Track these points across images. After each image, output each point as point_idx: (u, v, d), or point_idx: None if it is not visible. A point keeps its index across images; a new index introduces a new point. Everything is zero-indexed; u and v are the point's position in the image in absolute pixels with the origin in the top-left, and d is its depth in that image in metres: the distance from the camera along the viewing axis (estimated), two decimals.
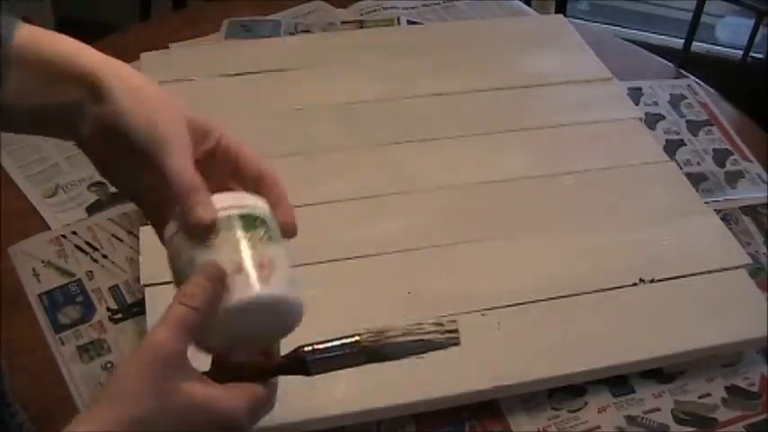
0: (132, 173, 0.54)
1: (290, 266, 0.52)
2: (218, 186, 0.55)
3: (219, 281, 0.49)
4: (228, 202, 0.52)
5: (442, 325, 0.52)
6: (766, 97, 1.48)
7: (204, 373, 0.50)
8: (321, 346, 0.51)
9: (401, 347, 0.51)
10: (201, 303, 0.49)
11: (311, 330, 0.79)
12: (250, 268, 0.50)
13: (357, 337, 0.51)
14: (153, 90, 0.54)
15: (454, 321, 0.52)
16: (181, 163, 0.51)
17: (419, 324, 0.52)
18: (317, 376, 0.52)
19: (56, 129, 0.57)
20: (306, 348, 0.51)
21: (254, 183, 0.57)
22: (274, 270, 0.50)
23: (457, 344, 0.52)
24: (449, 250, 0.88)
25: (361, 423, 0.76)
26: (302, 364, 0.51)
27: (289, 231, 0.55)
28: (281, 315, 0.52)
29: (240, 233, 0.51)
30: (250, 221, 0.52)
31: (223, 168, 0.57)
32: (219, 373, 0.51)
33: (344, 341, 0.51)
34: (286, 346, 0.53)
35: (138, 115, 0.52)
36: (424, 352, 0.51)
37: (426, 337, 0.51)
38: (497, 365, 0.78)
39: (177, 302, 0.48)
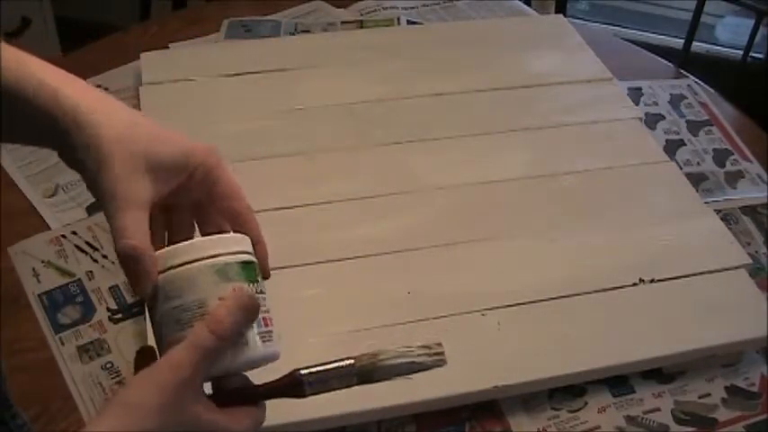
0: None
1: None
2: (204, 213, 0.56)
3: (252, 311, 0.50)
4: (219, 249, 0.52)
5: (430, 348, 0.54)
6: (766, 97, 1.48)
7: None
8: (317, 369, 0.52)
9: (393, 370, 0.53)
10: (230, 333, 0.49)
11: (311, 330, 0.79)
12: (256, 325, 0.51)
13: (352, 360, 0.53)
14: (111, 131, 0.51)
15: (440, 344, 0.54)
16: (122, 223, 0.49)
17: (408, 347, 0.54)
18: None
19: (34, 142, 0.55)
20: (302, 372, 0.52)
21: (230, 218, 0.56)
22: (273, 325, 0.53)
23: (443, 365, 0.55)
24: (449, 250, 0.88)
25: (361, 423, 0.76)
26: (298, 386, 0.52)
27: (265, 272, 0.55)
28: (267, 362, 0.53)
29: (244, 284, 0.52)
30: (251, 271, 0.53)
31: (201, 198, 0.56)
32: (217, 395, 0.52)
33: (340, 364, 0.53)
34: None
35: (91, 169, 0.50)
36: (412, 373, 0.54)
37: (416, 359, 0.54)
38: (497, 365, 0.78)
39: (206, 328, 0.48)
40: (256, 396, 0.53)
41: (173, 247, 0.51)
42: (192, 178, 0.54)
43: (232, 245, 0.52)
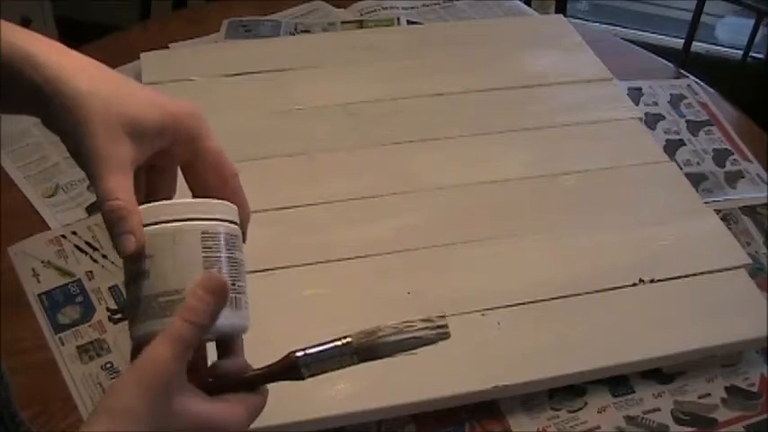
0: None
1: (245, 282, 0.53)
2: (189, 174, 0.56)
3: (222, 295, 0.49)
4: (210, 213, 0.52)
5: (431, 321, 0.52)
6: (766, 97, 1.48)
7: (195, 380, 0.50)
8: (313, 350, 0.51)
9: (393, 346, 0.51)
10: (205, 319, 0.48)
11: (312, 330, 0.79)
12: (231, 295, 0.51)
13: (349, 339, 0.51)
14: (93, 99, 0.51)
15: (443, 317, 0.52)
16: (107, 184, 0.49)
17: (409, 321, 0.52)
18: (313, 379, 0.52)
19: (16, 110, 0.55)
20: (297, 353, 0.51)
21: (214, 185, 0.56)
22: (245, 293, 0.52)
23: (447, 338, 0.52)
24: (449, 250, 0.88)
25: (361, 423, 0.76)
26: (295, 369, 0.51)
27: (244, 237, 0.55)
28: (237, 330, 0.53)
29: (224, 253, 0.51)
30: (235, 241, 0.52)
31: (185, 160, 0.56)
32: (207, 380, 0.51)
33: (336, 343, 0.51)
34: (278, 340, 0.53)
35: (70, 132, 0.51)
36: (415, 348, 0.52)
37: (417, 333, 0.51)
38: (497, 365, 0.78)
39: (180, 319, 0.48)
40: (252, 381, 0.51)
41: (156, 204, 0.52)
42: (175, 143, 0.54)
43: (218, 211, 0.52)
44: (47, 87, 0.50)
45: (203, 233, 0.51)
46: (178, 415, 0.47)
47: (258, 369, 0.52)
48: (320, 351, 0.51)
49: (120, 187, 0.50)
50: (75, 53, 0.52)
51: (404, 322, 0.52)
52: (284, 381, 0.51)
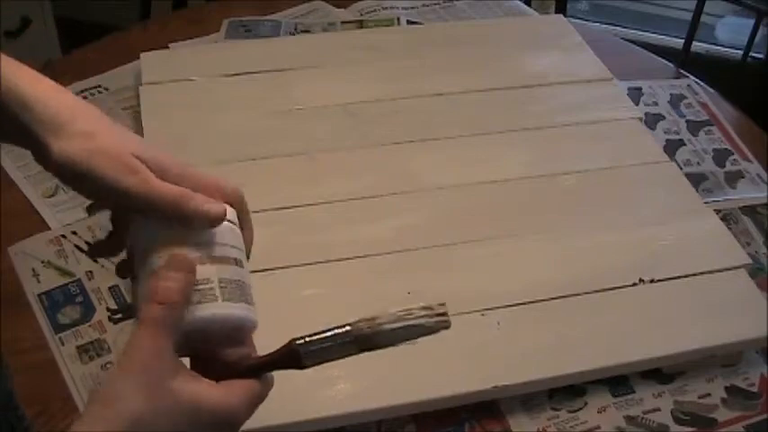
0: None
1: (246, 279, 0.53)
2: None
3: (191, 271, 0.50)
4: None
5: (431, 309, 0.52)
6: (766, 97, 1.48)
7: (197, 369, 0.50)
8: (313, 338, 0.51)
9: (393, 334, 0.51)
10: (178, 296, 0.49)
11: (311, 330, 0.79)
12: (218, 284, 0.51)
13: (348, 327, 0.51)
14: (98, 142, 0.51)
15: (443, 305, 0.52)
16: (156, 187, 0.50)
17: (409, 309, 0.51)
18: (315, 373, 0.52)
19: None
20: (298, 341, 0.51)
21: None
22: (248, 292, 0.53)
23: (447, 327, 0.52)
24: (449, 250, 0.88)
25: (361, 423, 0.76)
26: (295, 356, 0.51)
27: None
28: (236, 330, 0.53)
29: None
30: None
31: None
32: (211, 367, 0.51)
33: (336, 331, 0.51)
34: (278, 341, 0.53)
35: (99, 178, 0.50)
36: (416, 337, 0.51)
37: (417, 321, 0.51)
38: (497, 365, 0.78)
39: (152, 303, 0.48)
40: (253, 369, 0.51)
41: None
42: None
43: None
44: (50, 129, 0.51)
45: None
46: (170, 396, 0.47)
47: (259, 357, 0.52)
48: (320, 338, 0.51)
49: (163, 183, 0.51)
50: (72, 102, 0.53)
51: (403, 309, 0.51)
52: (284, 369, 0.51)
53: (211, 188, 0.53)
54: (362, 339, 0.51)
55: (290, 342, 0.51)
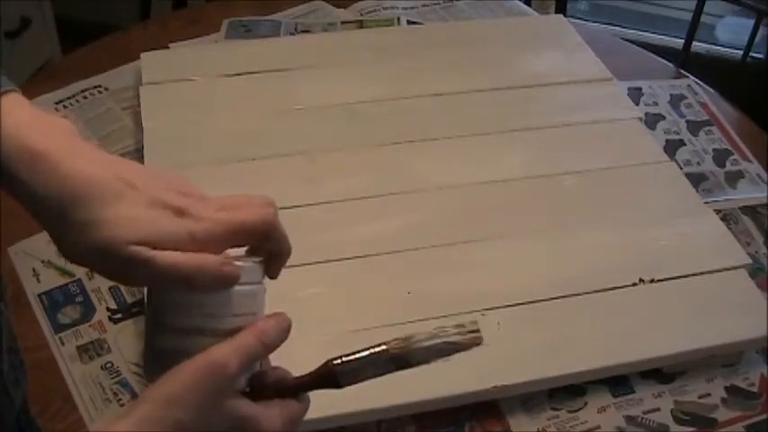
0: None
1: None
2: None
3: (287, 332, 0.52)
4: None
5: (464, 326, 0.53)
6: (766, 97, 1.47)
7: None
8: (350, 358, 0.52)
9: (428, 351, 0.52)
10: (271, 344, 0.51)
11: (312, 330, 0.79)
12: None
13: (384, 346, 0.52)
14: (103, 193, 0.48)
15: (475, 322, 0.53)
16: (167, 261, 0.48)
17: (442, 327, 0.53)
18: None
19: None
20: (335, 362, 0.52)
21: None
22: None
23: (480, 343, 0.53)
24: (449, 250, 0.88)
25: (361, 423, 0.76)
26: (332, 377, 0.52)
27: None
28: None
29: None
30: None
31: None
32: (252, 390, 0.52)
33: (372, 351, 0.52)
34: (312, 360, 0.54)
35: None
36: (449, 354, 0.53)
37: (451, 339, 0.52)
38: (497, 365, 0.78)
39: (252, 335, 0.50)
40: (290, 390, 0.53)
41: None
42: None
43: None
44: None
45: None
46: (224, 412, 0.49)
47: (297, 377, 0.54)
48: (357, 359, 0.52)
49: (177, 255, 0.49)
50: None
51: (437, 328, 0.53)
52: (321, 389, 0.53)
53: (229, 233, 0.50)
54: (398, 358, 0.52)
55: (327, 363, 0.53)
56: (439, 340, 0.52)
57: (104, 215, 0.47)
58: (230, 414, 0.49)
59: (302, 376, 0.53)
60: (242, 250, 0.53)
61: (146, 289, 0.53)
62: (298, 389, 0.53)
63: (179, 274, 0.48)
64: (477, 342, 0.53)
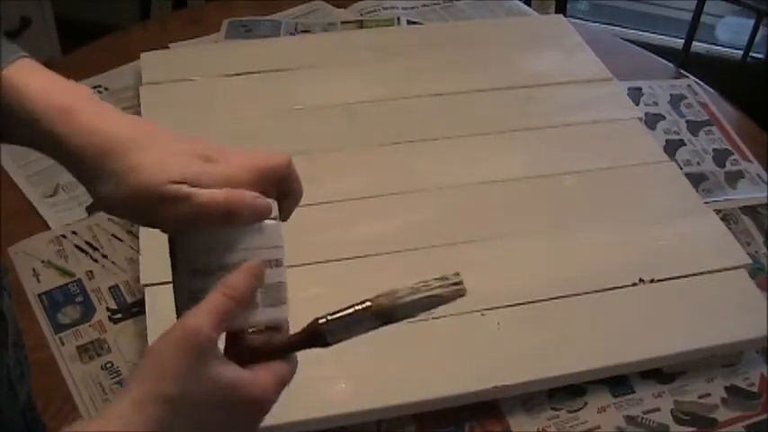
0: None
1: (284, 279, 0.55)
2: None
3: (259, 278, 0.52)
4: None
5: (446, 279, 0.54)
6: (766, 97, 1.47)
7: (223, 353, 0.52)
8: (335, 316, 0.53)
9: (412, 305, 0.53)
10: (242, 296, 0.50)
11: None
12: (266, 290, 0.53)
13: (368, 302, 0.53)
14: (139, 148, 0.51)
15: (458, 274, 0.54)
16: (208, 196, 0.50)
17: (424, 282, 0.53)
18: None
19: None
20: (320, 320, 0.53)
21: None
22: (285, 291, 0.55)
23: (463, 294, 0.54)
24: (449, 250, 0.88)
25: (361, 423, 0.76)
26: (319, 335, 0.52)
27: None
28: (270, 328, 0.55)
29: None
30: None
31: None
32: (237, 352, 0.52)
33: (357, 308, 0.53)
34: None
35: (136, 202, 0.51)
36: (434, 307, 0.53)
37: (434, 292, 0.53)
38: (497, 365, 0.78)
39: (219, 292, 0.50)
40: (278, 351, 0.53)
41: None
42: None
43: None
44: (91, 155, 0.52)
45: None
46: (208, 380, 0.48)
47: (283, 339, 0.54)
48: (342, 316, 0.52)
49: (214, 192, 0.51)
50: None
51: (419, 282, 0.53)
52: (309, 348, 0.53)
53: (254, 173, 0.53)
54: (383, 313, 0.52)
55: (313, 322, 0.53)
56: (422, 294, 0.53)
57: (140, 161, 0.50)
58: (217, 381, 0.48)
59: (289, 336, 0.53)
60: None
61: (168, 237, 0.53)
62: (285, 350, 0.53)
63: (220, 208, 0.50)
64: (460, 294, 0.54)
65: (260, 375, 0.51)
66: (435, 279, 0.54)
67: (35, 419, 0.68)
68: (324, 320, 0.52)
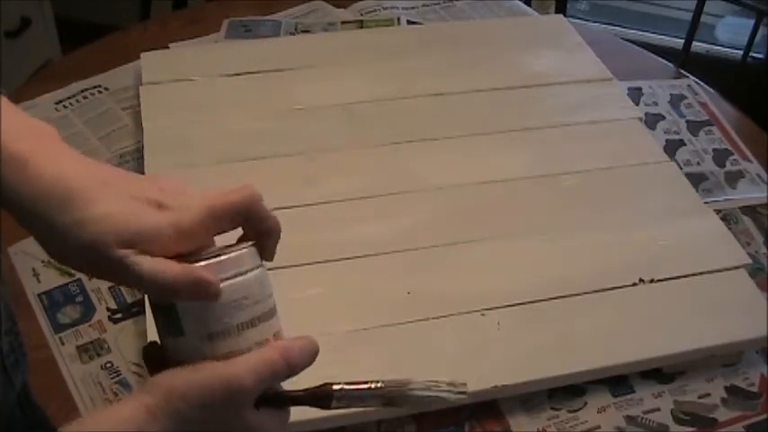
0: None
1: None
2: None
3: (314, 356, 0.53)
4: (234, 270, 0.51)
5: (455, 385, 0.56)
6: (766, 97, 1.48)
7: None
8: (349, 387, 0.54)
9: (419, 401, 0.55)
10: (296, 364, 0.52)
11: (311, 330, 0.79)
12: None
13: (381, 384, 0.55)
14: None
15: (465, 384, 0.56)
16: (153, 269, 0.48)
17: (437, 382, 0.56)
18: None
19: None
20: (334, 387, 0.54)
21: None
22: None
23: (462, 401, 0.57)
24: (449, 250, 0.88)
25: (361, 423, 0.76)
26: (326, 399, 0.54)
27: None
28: None
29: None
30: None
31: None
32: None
33: (371, 386, 0.55)
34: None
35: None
36: (433, 406, 0.58)
37: (442, 395, 0.56)
38: (497, 365, 0.78)
39: (278, 352, 0.51)
40: (286, 401, 0.55)
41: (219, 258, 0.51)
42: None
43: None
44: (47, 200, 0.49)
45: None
46: (238, 422, 0.50)
47: (293, 391, 0.55)
48: (354, 389, 0.55)
49: (162, 263, 0.49)
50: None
51: (432, 381, 0.56)
52: (311, 406, 0.55)
53: (207, 215, 0.50)
54: (391, 399, 0.55)
55: (327, 386, 0.54)
56: (431, 393, 0.55)
57: (88, 214, 0.47)
58: (239, 423, 0.50)
59: (298, 391, 0.55)
60: (232, 240, 0.53)
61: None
62: (293, 402, 0.55)
63: (157, 285, 0.48)
64: (461, 400, 0.57)
65: (274, 421, 0.53)
66: (446, 383, 0.56)
67: (33, 408, 0.68)
68: (339, 387, 0.54)
